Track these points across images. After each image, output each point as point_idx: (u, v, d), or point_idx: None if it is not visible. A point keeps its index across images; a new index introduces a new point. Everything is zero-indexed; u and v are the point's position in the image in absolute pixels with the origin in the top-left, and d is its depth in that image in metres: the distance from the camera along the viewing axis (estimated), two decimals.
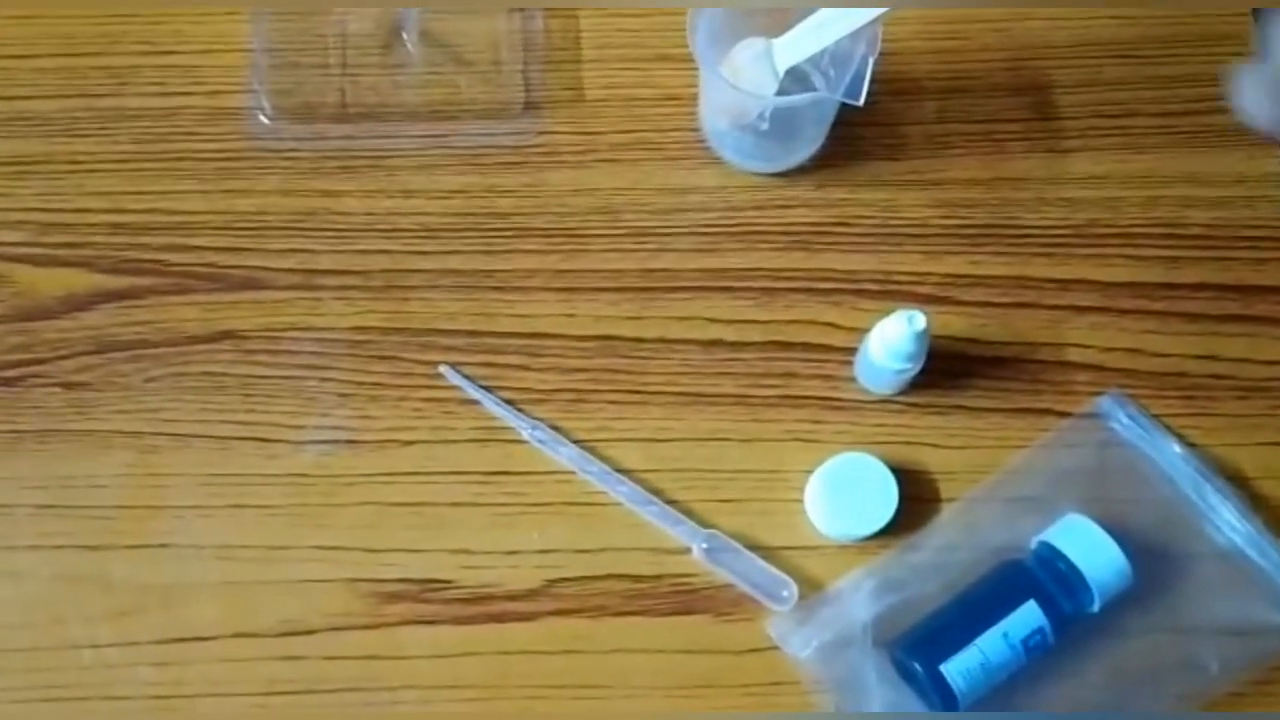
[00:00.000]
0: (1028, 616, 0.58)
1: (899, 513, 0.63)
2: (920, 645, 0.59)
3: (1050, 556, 0.60)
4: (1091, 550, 0.59)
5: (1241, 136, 0.70)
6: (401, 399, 0.66)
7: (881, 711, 0.59)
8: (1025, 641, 0.58)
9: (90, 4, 0.71)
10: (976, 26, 0.72)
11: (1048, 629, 0.58)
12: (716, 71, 0.63)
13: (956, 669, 0.57)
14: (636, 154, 0.70)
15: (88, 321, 0.66)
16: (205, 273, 0.68)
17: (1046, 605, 0.58)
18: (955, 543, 0.63)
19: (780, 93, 0.64)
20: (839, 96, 0.61)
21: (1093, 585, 0.59)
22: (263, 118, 0.69)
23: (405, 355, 0.66)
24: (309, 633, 0.62)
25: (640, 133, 0.70)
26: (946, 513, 0.64)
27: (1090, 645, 0.60)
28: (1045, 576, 0.59)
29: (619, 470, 0.64)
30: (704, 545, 0.62)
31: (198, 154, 0.70)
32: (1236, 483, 0.64)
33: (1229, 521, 0.63)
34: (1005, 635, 0.58)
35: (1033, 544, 0.61)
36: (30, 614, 0.62)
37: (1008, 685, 0.58)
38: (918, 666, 0.58)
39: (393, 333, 0.67)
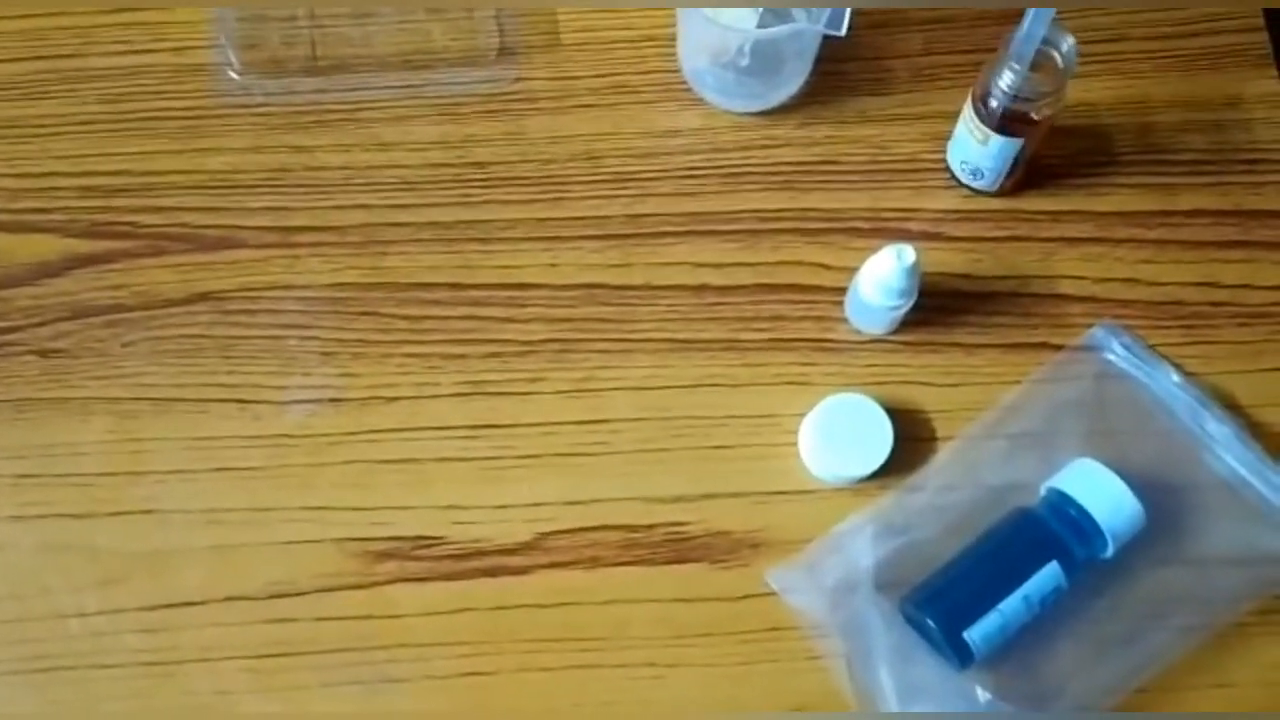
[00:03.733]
0: (1049, 577, 0.57)
1: (895, 453, 0.62)
2: (939, 606, 0.57)
3: (1064, 505, 0.58)
4: (1105, 497, 0.58)
5: (1236, 58, 0.69)
6: (385, 355, 0.64)
7: (887, 656, 0.58)
8: (1044, 600, 0.57)
9: None
10: None
11: (1065, 584, 0.58)
12: (695, 8, 0.62)
13: (979, 633, 0.57)
14: (616, 98, 0.69)
15: (61, 287, 0.65)
16: (179, 234, 0.66)
17: (1064, 560, 0.57)
18: (955, 483, 0.62)
19: (760, 27, 0.62)
20: (820, 28, 0.60)
21: (1107, 533, 0.58)
22: (231, 73, 0.68)
23: (386, 311, 0.65)
24: (299, 594, 0.61)
25: (619, 75, 0.69)
26: (944, 452, 0.63)
27: (1096, 581, 0.59)
28: (1062, 529, 0.58)
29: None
30: None
31: (166, 113, 0.68)
32: (1236, 410, 0.63)
33: (1230, 450, 0.62)
34: (1026, 597, 0.57)
35: (1043, 490, 0.60)
36: (15, 585, 0.61)
37: (1017, 633, 0.58)
38: (937, 628, 0.57)
39: (373, 288, 0.65)
